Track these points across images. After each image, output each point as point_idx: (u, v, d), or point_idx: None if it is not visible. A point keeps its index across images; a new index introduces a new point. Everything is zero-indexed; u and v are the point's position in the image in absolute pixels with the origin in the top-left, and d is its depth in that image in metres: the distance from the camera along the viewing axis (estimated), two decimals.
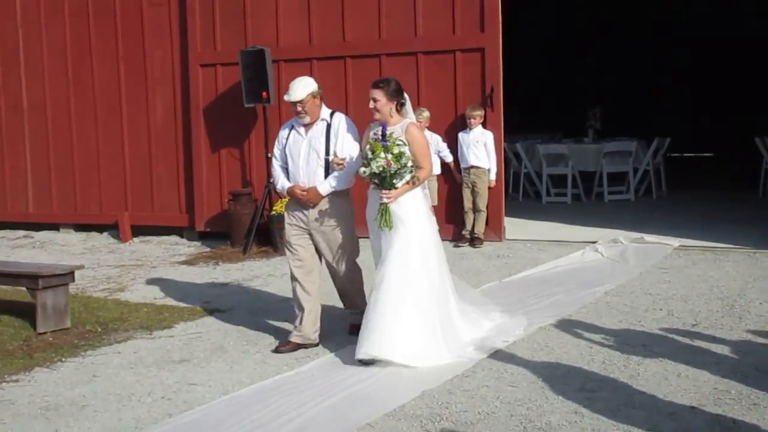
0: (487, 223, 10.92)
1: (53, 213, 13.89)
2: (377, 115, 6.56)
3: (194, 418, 5.47)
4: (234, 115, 12.16)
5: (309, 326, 6.92)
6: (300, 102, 6.85)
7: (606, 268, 9.29)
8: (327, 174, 6.83)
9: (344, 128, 6.89)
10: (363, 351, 6.24)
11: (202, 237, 12.51)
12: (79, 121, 13.58)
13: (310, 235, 6.94)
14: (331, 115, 6.97)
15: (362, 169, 6.40)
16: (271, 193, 11.40)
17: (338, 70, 11.70)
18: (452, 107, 11.20)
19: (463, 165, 10.88)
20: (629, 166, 14.37)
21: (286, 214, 7.06)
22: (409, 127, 6.55)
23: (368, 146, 6.44)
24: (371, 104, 6.56)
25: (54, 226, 13.83)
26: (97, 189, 13.49)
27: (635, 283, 8.45)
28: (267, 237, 11.22)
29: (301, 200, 6.88)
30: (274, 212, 11.08)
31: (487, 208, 10.86)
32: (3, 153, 14.22)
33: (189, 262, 11.01)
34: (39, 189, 13.99)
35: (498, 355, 6.40)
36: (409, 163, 6.35)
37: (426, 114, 10.75)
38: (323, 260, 7.05)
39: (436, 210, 10.84)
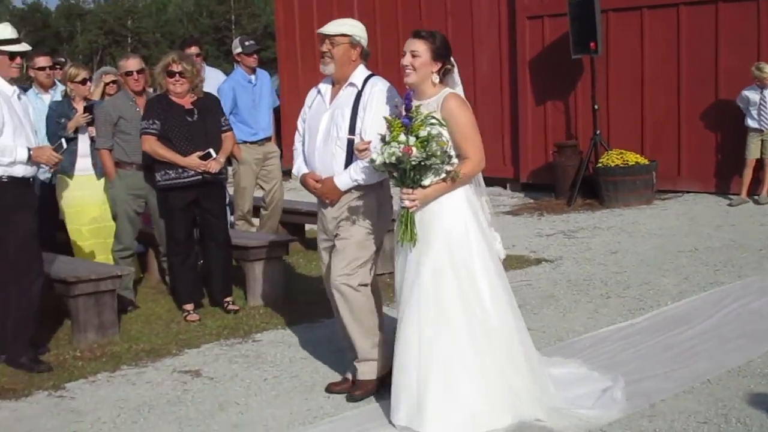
0: None
1: None
2: (411, 77, 4.61)
3: None
4: (560, 67, 12.08)
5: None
6: (329, 38, 4.99)
7: None
8: (350, 161, 4.96)
9: (379, 99, 4.88)
10: (399, 416, 4.56)
11: (525, 188, 12.63)
12: None
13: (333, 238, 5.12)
14: (367, 79, 5.01)
15: (373, 155, 4.56)
16: (597, 145, 11.26)
17: (670, 20, 11.26)
18: None
19: None
20: None
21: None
22: (447, 100, 4.59)
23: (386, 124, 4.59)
24: (406, 59, 4.61)
25: None
26: None
27: None
28: (592, 189, 11.11)
29: (316, 195, 5.19)
30: (600, 164, 10.96)
31: None
32: None
33: (513, 213, 11.17)
34: None
35: None
36: (445, 152, 4.45)
37: None
38: None
39: None
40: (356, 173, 4.88)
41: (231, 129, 7.15)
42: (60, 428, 4.91)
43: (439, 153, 4.39)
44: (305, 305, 7.10)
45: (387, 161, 4.42)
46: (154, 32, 65.25)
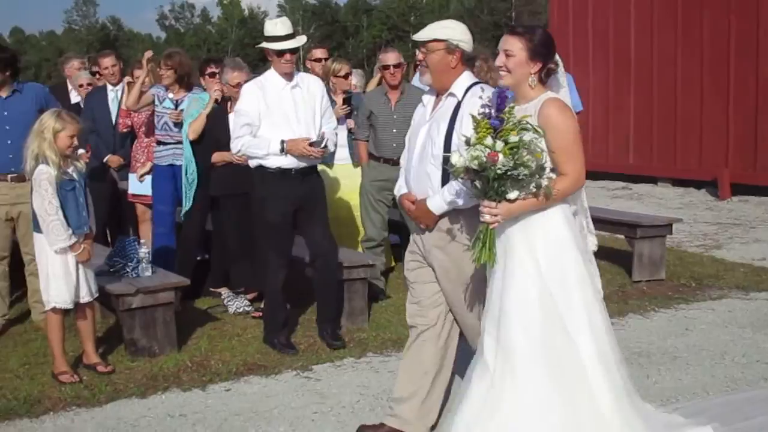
0: None
1: (652, 166, 14.05)
2: (506, 80, 3.99)
3: None
4: None
5: (413, 412, 4.58)
6: (423, 46, 4.44)
7: None
8: (446, 181, 4.27)
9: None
10: None
11: None
12: (684, 74, 13.50)
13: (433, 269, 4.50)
14: (469, 88, 4.36)
15: (453, 158, 3.89)
16: None
17: None
18: None
19: None
20: None
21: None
22: (545, 106, 3.91)
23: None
24: (500, 59, 4.01)
25: (651, 179, 14.00)
26: (697, 144, 13.33)
27: None
28: None
29: (411, 218, 4.62)
30: None
31: None
32: (608, 106, 14.69)
33: None
34: (640, 142, 14.24)
35: None
36: (540, 165, 3.83)
37: None
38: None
39: None
40: (451, 194, 4.24)
41: None
42: (303, 408, 5.10)
43: (530, 164, 3.76)
44: None
45: (468, 166, 3.80)
46: None
